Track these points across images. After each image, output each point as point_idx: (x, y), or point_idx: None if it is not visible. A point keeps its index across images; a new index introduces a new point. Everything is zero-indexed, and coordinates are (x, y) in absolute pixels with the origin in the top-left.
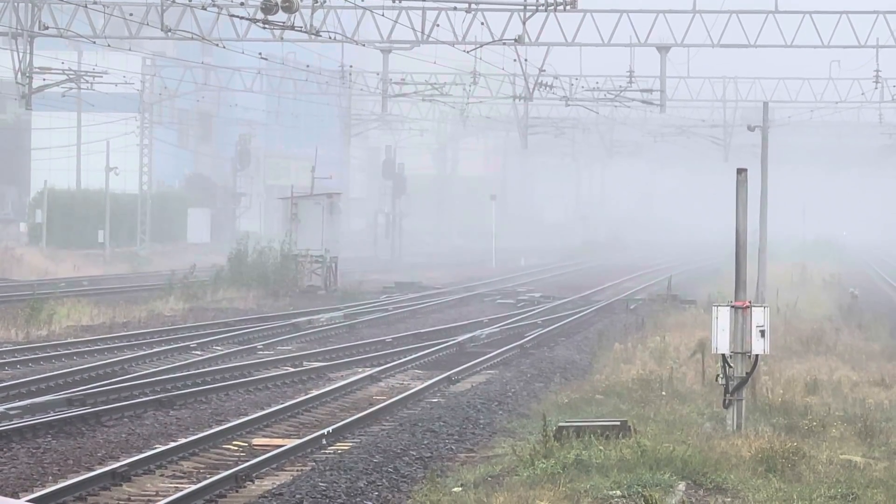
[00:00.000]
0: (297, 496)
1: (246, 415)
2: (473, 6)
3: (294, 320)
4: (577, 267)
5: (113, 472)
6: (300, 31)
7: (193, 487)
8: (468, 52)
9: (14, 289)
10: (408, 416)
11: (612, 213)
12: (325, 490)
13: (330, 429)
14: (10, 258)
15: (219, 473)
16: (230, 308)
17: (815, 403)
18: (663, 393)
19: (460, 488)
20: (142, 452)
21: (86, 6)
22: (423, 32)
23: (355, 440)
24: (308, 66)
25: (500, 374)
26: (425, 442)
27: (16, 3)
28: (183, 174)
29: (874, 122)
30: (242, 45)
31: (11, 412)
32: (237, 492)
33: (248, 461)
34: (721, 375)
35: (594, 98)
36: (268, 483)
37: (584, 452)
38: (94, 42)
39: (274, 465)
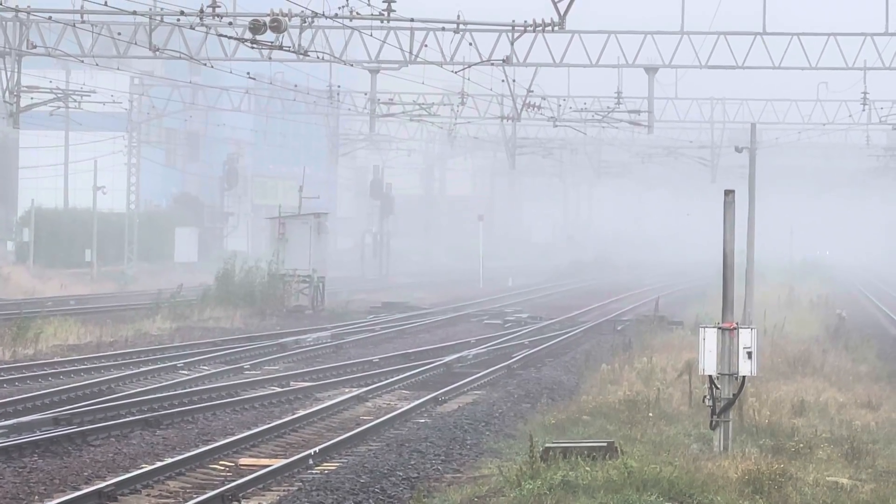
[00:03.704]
0: None
1: (233, 434)
2: (462, 27)
3: (281, 340)
4: (565, 287)
5: (99, 492)
6: (288, 50)
7: None
8: (456, 72)
9: (1, 308)
10: (395, 436)
11: (600, 233)
12: None
13: (317, 449)
14: None
15: (205, 493)
16: (217, 327)
17: (802, 425)
18: (650, 414)
19: None
20: (128, 472)
21: (74, 25)
22: (411, 52)
23: (342, 460)
24: (296, 85)
25: (487, 395)
26: (412, 462)
27: (3, 22)
28: (170, 193)
29: (861, 144)
30: (230, 64)
31: None
32: None
33: (234, 481)
34: (708, 397)
35: (582, 119)
36: (254, 503)
37: (570, 473)
38: (82, 61)
39: (260, 486)
